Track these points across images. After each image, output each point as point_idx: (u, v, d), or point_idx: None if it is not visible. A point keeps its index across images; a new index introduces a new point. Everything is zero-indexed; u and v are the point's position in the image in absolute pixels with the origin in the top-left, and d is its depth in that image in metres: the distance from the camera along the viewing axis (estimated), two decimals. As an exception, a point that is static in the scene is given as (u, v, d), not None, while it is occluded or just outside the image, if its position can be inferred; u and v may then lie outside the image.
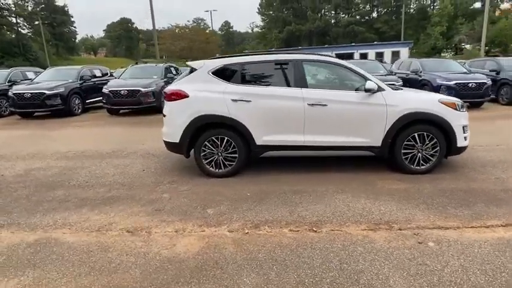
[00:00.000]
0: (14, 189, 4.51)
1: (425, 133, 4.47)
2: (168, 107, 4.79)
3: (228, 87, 4.57)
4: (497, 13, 49.01)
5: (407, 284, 2.37)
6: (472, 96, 10.08)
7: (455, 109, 4.53)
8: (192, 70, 4.80)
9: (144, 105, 10.77)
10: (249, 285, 2.41)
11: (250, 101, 4.48)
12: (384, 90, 4.49)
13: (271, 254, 2.78)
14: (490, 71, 11.66)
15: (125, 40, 79.69)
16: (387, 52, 32.42)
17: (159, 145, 5.39)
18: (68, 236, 3.20)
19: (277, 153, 4.77)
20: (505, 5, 49.98)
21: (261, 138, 4.53)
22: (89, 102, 12.20)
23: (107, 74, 13.89)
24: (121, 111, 11.48)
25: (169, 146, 4.86)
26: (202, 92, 4.57)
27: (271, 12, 61.66)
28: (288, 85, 4.62)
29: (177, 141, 4.67)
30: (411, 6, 56.77)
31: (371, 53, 32.88)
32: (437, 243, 2.88)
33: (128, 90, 10.69)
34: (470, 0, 46.79)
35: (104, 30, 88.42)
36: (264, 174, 4.71)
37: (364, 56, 30.91)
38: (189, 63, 4.98)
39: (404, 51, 32.51)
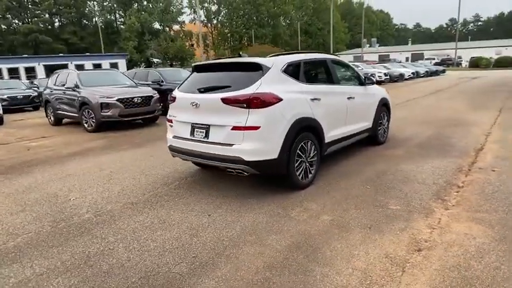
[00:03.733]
0: None
1: (386, 112, 6.11)
2: (262, 115, 3.57)
3: (301, 86, 4.13)
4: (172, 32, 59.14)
5: None
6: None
7: None
8: (255, 68, 3.84)
9: None
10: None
11: (320, 99, 4.30)
12: (371, 83, 5.67)
13: None
14: (153, 82, 11.58)
15: None
16: (105, 63, 31.56)
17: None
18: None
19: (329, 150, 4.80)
20: (176, 27, 61.12)
21: (327, 135, 4.47)
22: None
23: None
24: None
25: (262, 166, 3.64)
26: (288, 93, 3.84)
27: None
28: (331, 82, 4.78)
29: (275, 156, 3.65)
30: (96, 20, 56.76)
31: (87, 64, 30.97)
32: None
33: None
34: (152, 19, 53.15)
35: None
36: (325, 172, 4.62)
37: (81, 67, 28.51)
38: (251, 59, 3.88)
39: (122, 63, 32.89)
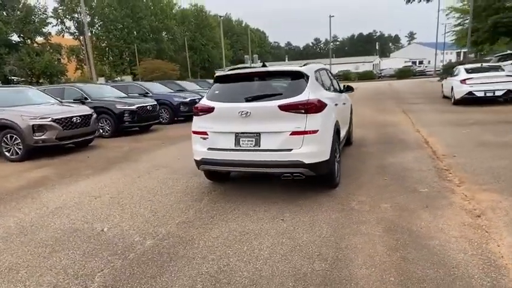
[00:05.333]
0: None
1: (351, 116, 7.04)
2: (318, 119, 3.80)
3: (326, 93, 4.58)
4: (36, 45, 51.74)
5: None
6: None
7: None
8: (298, 76, 4.10)
9: None
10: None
11: (337, 104, 4.83)
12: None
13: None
14: (74, 100, 9.98)
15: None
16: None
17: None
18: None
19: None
20: (40, 39, 53.46)
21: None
22: None
23: None
24: None
25: (319, 167, 3.87)
26: (325, 99, 4.21)
27: None
28: (335, 89, 5.39)
29: (328, 157, 3.97)
30: None
31: None
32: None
33: None
34: (8, 29, 45.43)
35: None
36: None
37: None
38: (293, 68, 4.09)
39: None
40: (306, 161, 3.79)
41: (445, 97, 14.81)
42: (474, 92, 11.36)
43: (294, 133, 3.79)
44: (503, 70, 11.95)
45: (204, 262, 2.85)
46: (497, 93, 11.25)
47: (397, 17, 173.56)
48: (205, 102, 4.25)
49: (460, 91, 11.91)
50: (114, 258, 3.02)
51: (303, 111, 3.80)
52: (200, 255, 2.98)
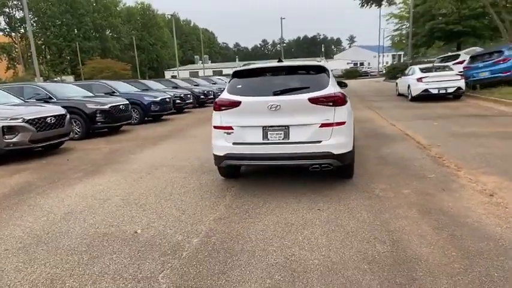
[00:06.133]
0: None
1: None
2: (344, 111, 3.94)
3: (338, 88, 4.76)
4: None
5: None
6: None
7: None
8: (319, 71, 4.23)
9: None
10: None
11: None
12: None
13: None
14: (37, 100, 9.19)
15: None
16: None
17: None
18: None
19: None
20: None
21: None
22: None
23: None
24: None
25: (345, 158, 4.01)
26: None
27: None
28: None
29: (351, 148, 4.14)
30: None
31: None
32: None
33: None
34: None
35: None
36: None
37: None
38: (315, 63, 4.20)
39: None
40: (335, 152, 3.92)
41: (400, 95, 15.99)
42: (430, 90, 12.44)
43: (323, 125, 3.91)
44: (452, 70, 13.24)
45: (267, 254, 2.85)
46: (449, 90, 12.44)
47: (339, 21, 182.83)
48: (228, 96, 4.20)
49: (417, 89, 12.96)
50: (168, 258, 2.88)
51: (331, 103, 3.93)
52: (259, 248, 2.96)
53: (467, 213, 3.38)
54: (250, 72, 4.43)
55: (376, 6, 23.22)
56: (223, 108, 4.17)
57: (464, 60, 15.46)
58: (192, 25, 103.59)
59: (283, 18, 49.90)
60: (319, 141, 3.93)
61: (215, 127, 4.25)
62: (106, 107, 9.42)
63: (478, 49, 17.47)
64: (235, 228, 3.36)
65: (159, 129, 10.71)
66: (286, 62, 4.49)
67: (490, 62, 12.81)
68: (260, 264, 2.70)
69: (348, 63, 74.95)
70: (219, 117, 4.21)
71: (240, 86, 4.30)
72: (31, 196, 4.73)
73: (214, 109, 4.31)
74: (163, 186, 4.79)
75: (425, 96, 12.75)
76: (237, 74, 4.46)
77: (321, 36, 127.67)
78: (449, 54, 19.78)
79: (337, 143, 3.94)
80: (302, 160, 3.98)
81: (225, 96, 4.25)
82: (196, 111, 16.26)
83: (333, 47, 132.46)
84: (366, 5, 22.73)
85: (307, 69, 4.38)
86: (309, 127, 3.94)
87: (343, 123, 3.96)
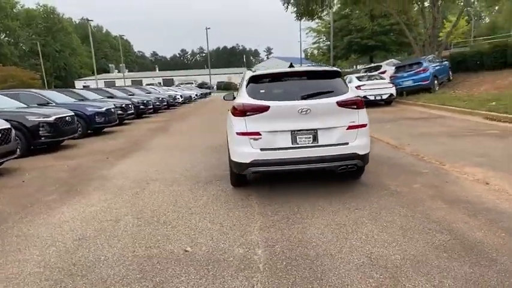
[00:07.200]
0: None
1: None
2: (364, 114, 4.17)
3: None
4: None
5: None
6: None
7: None
8: (336, 75, 4.41)
9: None
10: None
11: None
12: None
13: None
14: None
15: None
16: None
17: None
18: None
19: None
20: None
21: None
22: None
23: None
24: None
25: (366, 158, 4.21)
26: None
27: None
28: None
29: (369, 150, 4.37)
30: None
31: None
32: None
33: None
34: None
35: None
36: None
37: None
38: (333, 68, 4.29)
39: None
40: (360, 153, 4.11)
41: (335, 102, 17.27)
42: (368, 96, 13.72)
43: (350, 127, 4.07)
44: (384, 79, 14.84)
45: (346, 256, 2.85)
46: (384, 97, 13.92)
47: (256, 33, 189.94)
48: (253, 102, 4.08)
49: (355, 96, 14.17)
50: (248, 273, 2.69)
51: (355, 106, 4.12)
52: (333, 250, 2.94)
53: (483, 200, 3.86)
54: (270, 77, 4.39)
55: (309, 19, 24.92)
56: (248, 113, 4.04)
57: (386, 71, 17.45)
58: (105, 31, 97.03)
59: (208, 28, 50.01)
60: (347, 143, 4.07)
61: (239, 133, 4.09)
62: (51, 119, 8.26)
63: (394, 61, 19.90)
64: (291, 235, 3.28)
65: (111, 143, 9.77)
66: (303, 67, 4.56)
67: (412, 72, 14.72)
68: (349, 266, 2.70)
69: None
70: (243, 123, 4.07)
71: (263, 91, 4.22)
72: (10, 225, 3.92)
73: (235, 114, 4.15)
74: (174, 201, 4.42)
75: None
76: (254, 79, 4.37)
77: (240, 47, 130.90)
78: (373, 65, 22.12)
79: (361, 144, 4.14)
80: (331, 162, 4.08)
81: (249, 101, 4.13)
82: (139, 121, 15.24)
83: (251, 57, 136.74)
84: (301, 18, 24.27)
85: (325, 74, 4.52)
86: (336, 130, 4.06)
87: (365, 125, 4.18)
